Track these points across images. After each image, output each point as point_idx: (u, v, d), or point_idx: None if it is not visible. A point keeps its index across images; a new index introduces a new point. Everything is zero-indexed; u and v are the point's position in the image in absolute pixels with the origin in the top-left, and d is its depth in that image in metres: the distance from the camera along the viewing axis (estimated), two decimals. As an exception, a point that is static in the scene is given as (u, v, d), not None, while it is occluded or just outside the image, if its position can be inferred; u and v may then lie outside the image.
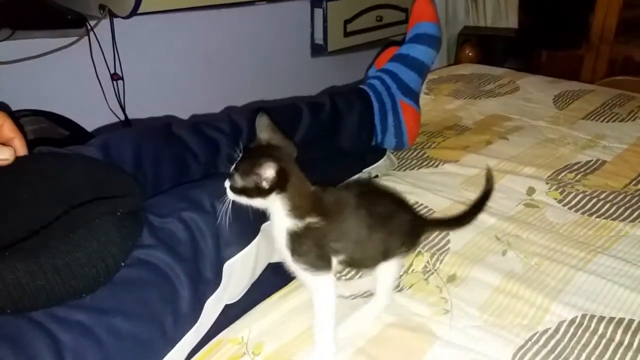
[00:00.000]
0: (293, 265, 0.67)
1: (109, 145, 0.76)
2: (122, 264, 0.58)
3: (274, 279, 0.79)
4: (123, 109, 1.69)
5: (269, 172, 0.63)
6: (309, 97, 1.12)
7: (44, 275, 0.51)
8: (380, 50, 1.25)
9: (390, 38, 2.51)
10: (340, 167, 1.02)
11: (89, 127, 1.60)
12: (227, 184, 0.66)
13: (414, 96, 1.15)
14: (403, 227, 0.72)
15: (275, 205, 0.66)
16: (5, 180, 0.63)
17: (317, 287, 0.67)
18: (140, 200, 0.66)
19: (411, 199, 0.98)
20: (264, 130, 0.69)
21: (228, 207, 0.67)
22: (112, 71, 1.65)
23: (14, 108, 1.49)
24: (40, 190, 0.64)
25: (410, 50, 1.14)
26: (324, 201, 0.68)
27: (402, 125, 1.12)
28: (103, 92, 1.66)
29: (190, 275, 0.62)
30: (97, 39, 1.60)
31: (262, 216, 0.73)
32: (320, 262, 0.66)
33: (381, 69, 1.16)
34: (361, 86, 1.14)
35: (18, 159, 0.65)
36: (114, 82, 1.65)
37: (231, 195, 0.66)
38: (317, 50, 2.27)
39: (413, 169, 1.13)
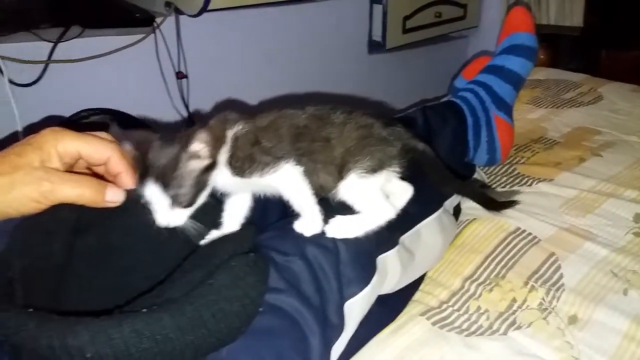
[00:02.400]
0: (253, 182, 0.62)
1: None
2: (260, 309, 0.55)
3: (378, 313, 0.74)
4: (187, 108, 1.67)
5: (201, 138, 0.57)
6: (399, 110, 1.07)
7: (192, 330, 0.48)
8: (468, 60, 1.19)
9: (449, 34, 2.44)
10: (432, 186, 0.97)
11: (153, 126, 1.59)
12: (169, 215, 0.57)
13: (508, 110, 1.09)
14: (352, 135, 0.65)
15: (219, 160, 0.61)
16: (115, 210, 0.60)
17: (285, 179, 0.62)
18: (256, 234, 0.63)
19: (511, 223, 0.93)
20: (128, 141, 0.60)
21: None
22: (177, 69, 1.62)
23: (81, 106, 1.48)
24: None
25: (505, 62, 1.08)
26: (249, 116, 0.65)
27: (495, 141, 1.06)
28: (167, 90, 1.63)
29: (318, 321, 0.58)
30: (163, 37, 1.57)
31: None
32: (269, 157, 0.61)
33: (473, 80, 1.10)
34: (453, 99, 1.08)
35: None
36: (179, 80, 1.63)
37: (183, 216, 0.58)
38: (375, 47, 2.20)
39: (504, 186, 1.08)
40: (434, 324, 0.76)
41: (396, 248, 0.73)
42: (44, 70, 1.42)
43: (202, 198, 0.60)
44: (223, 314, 0.51)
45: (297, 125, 0.64)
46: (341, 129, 0.65)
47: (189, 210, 0.59)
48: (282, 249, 0.63)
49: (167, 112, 1.65)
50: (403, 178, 0.71)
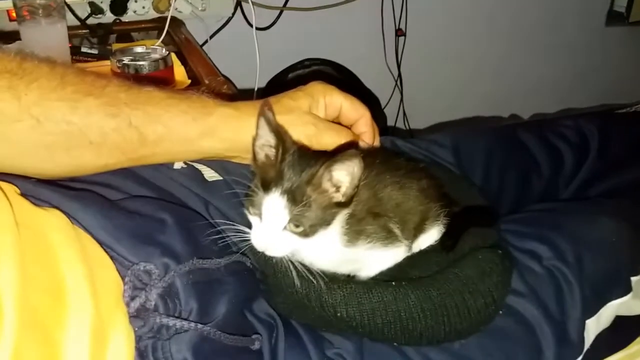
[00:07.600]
0: (359, 253, 0.50)
1: (460, 148, 0.71)
2: (500, 312, 0.52)
3: (610, 337, 0.66)
4: (399, 66, 1.66)
5: (357, 168, 0.46)
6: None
7: (434, 316, 0.48)
8: None
9: None
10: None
11: (362, 80, 1.62)
12: (271, 238, 0.47)
13: None
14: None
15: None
16: None
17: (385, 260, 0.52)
18: (500, 229, 0.59)
19: None
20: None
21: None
22: (397, 26, 1.60)
23: (305, 52, 1.56)
24: None
25: None
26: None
27: None
28: (384, 46, 1.63)
29: (556, 335, 0.54)
30: (390, -9, 1.56)
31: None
32: (383, 227, 0.51)
33: None
34: None
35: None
36: (397, 37, 1.61)
37: (288, 246, 0.48)
38: (615, 18, 1.92)
39: None
40: (673, 360, 0.66)
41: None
42: (279, 16, 1.50)
43: (314, 241, 0.48)
44: (465, 307, 0.49)
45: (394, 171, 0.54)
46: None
47: (297, 243, 0.48)
48: (523, 246, 0.59)
49: (379, 68, 1.66)
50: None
